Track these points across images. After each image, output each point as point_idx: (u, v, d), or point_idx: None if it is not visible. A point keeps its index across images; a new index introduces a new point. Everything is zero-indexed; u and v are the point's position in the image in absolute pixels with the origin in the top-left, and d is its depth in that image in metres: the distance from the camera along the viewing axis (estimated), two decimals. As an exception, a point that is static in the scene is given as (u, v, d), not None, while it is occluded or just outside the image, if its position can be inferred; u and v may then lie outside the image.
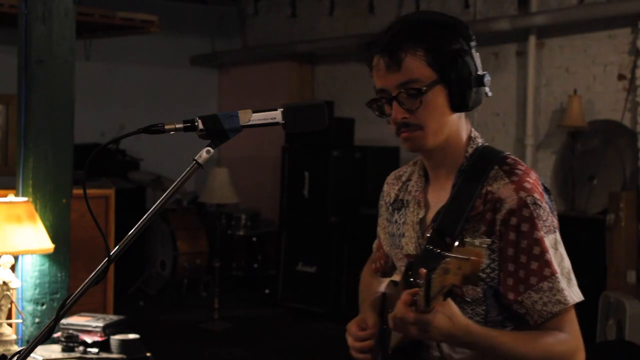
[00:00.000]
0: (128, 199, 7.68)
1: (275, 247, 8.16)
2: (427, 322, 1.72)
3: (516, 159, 1.98)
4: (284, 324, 7.39)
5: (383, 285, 2.24)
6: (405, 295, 1.76)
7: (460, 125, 1.98)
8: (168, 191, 1.66)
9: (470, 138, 2.00)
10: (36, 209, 3.94)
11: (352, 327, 2.11)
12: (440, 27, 1.93)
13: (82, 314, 3.96)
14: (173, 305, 8.02)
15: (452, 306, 1.75)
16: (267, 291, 8.27)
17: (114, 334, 3.85)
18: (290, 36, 9.45)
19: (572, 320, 1.88)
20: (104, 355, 3.80)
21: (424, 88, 1.89)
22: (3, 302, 3.72)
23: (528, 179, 1.91)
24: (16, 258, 3.92)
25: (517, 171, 1.92)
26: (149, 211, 1.64)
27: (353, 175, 7.68)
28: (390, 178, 2.21)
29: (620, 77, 6.58)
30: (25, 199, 3.94)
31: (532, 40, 7.13)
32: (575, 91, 6.65)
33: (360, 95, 8.72)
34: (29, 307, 4.04)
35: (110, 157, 8.62)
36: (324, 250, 7.57)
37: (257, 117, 1.72)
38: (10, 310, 3.84)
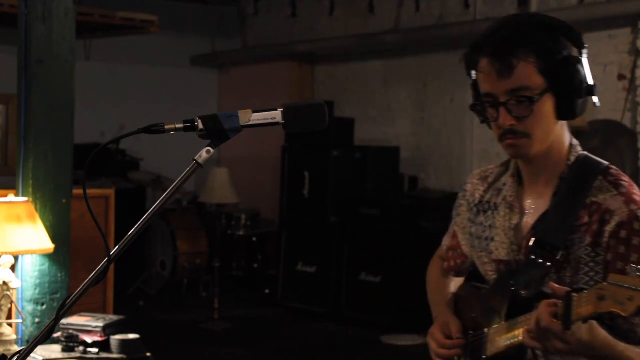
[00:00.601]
0: (128, 199, 7.68)
1: (275, 247, 8.16)
2: (570, 335, 1.69)
3: (618, 169, 1.94)
4: (284, 324, 7.38)
5: (453, 285, 2.22)
6: (548, 307, 1.71)
7: (563, 133, 1.95)
8: (168, 191, 1.66)
9: (571, 146, 1.96)
10: (36, 209, 3.94)
11: (436, 333, 2.10)
12: (553, 32, 1.89)
13: (82, 314, 3.96)
14: (173, 305, 8.02)
15: (591, 321, 1.71)
16: (267, 291, 8.27)
17: (114, 334, 3.85)
18: (290, 36, 9.45)
19: None
20: (104, 355, 3.80)
21: (536, 97, 1.85)
22: (3, 302, 3.72)
23: (635, 191, 1.88)
24: (16, 258, 3.92)
25: (623, 183, 1.88)
26: (149, 211, 1.64)
27: (353, 175, 7.68)
28: (474, 178, 2.16)
29: (620, 77, 6.58)
30: (25, 199, 3.94)
31: (532, 40, 7.12)
32: (575, 91, 6.65)
33: (361, 95, 8.73)
34: (29, 307, 4.04)
35: (110, 157, 8.62)
36: (324, 250, 7.57)
37: (257, 117, 1.71)
38: (10, 310, 3.84)
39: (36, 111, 4.04)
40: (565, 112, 1.89)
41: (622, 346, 1.77)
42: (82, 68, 6.04)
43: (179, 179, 1.66)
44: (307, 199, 7.78)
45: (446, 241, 2.28)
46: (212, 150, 1.68)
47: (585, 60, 1.89)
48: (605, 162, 1.94)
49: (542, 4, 7.12)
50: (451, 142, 7.88)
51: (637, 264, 1.80)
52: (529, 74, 1.85)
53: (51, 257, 4.04)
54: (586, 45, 1.92)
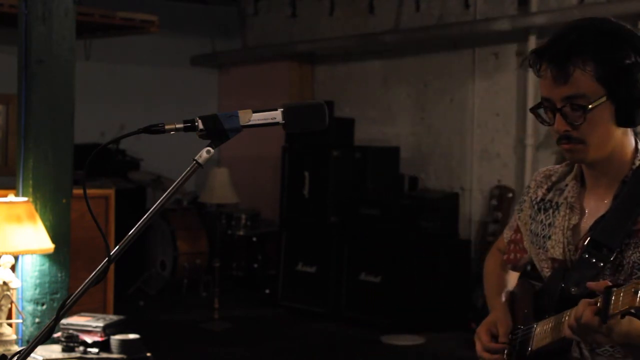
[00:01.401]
0: (128, 199, 7.68)
1: (275, 247, 8.15)
2: (610, 329, 1.70)
3: None
4: (284, 324, 7.38)
5: (512, 281, 2.22)
6: (588, 304, 1.72)
7: (625, 139, 1.95)
8: (168, 191, 1.66)
9: (636, 150, 1.96)
10: (36, 209, 3.94)
11: (482, 334, 2.11)
12: (613, 38, 1.88)
13: (82, 314, 3.96)
14: (173, 305, 8.02)
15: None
16: (267, 291, 8.27)
17: (114, 334, 3.86)
18: (290, 36, 9.45)
19: None
20: (104, 355, 3.80)
21: (590, 106, 1.86)
22: (3, 302, 3.72)
23: None
24: (16, 258, 3.92)
25: None
26: (149, 211, 1.64)
27: (353, 175, 7.68)
28: (539, 176, 2.17)
29: (620, 77, 6.58)
30: (25, 199, 3.94)
31: (532, 40, 7.12)
32: (575, 91, 6.65)
33: (361, 95, 8.73)
34: (29, 307, 4.04)
35: (110, 157, 8.61)
36: (324, 250, 7.57)
37: (257, 117, 1.72)
38: (10, 310, 3.84)
39: (36, 111, 4.04)
40: (624, 120, 1.90)
41: None
42: (82, 68, 6.05)
43: (179, 179, 1.66)
44: (307, 199, 7.78)
45: (507, 234, 2.28)
46: (212, 150, 1.68)
47: None
48: None
49: (542, 4, 7.12)
50: (451, 142, 7.87)
51: None
52: (584, 82, 1.86)
53: (51, 257, 4.04)
54: None
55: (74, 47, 4.17)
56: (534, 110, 1.98)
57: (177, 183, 1.66)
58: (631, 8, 6.38)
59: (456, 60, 7.73)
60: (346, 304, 7.26)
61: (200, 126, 1.68)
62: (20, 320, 3.96)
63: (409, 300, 6.95)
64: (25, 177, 4.03)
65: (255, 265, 8.61)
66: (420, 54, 8.17)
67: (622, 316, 1.67)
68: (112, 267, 1.66)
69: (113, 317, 4.01)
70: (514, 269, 2.27)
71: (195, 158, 1.66)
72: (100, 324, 3.83)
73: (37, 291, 4.05)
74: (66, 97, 4.14)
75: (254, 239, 8.62)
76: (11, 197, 3.87)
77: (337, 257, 7.43)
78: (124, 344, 3.82)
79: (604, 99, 1.86)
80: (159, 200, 1.65)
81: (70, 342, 3.81)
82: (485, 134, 7.45)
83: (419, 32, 7.98)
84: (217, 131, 1.69)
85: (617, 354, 1.89)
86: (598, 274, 1.87)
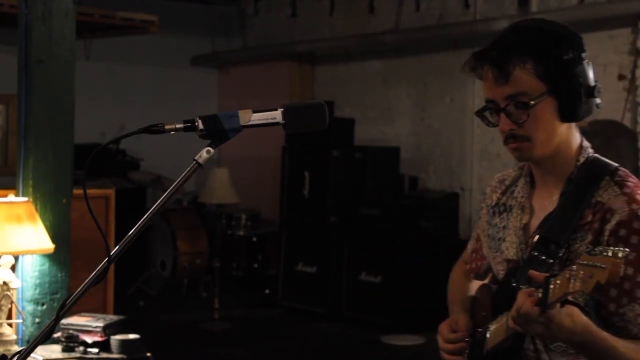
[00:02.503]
0: (128, 199, 7.68)
1: (275, 247, 8.15)
2: (550, 319, 1.72)
3: (627, 171, 1.98)
4: (284, 324, 7.38)
5: (473, 288, 2.24)
6: (528, 294, 1.75)
7: (570, 135, 1.99)
8: (168, 191, 1.66)
9: (581, 147, 2.00)
10: (36, 209, 3.94)
11: (443, 329, 2.13)
12: (551, 37, 1.92)
13: (82, 314, 3.96)
14: (173, 305, 8.02)
15: (572, 306, 1.74)
16: (267, 291, 8.27)
17: (114, 334, 3.85)
18: (290, 36, 9.45)
19: None
20: (104, 355, 3.80)
21: (532, 102, 1.89)
22: (3, 302, 3.72)
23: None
24: (16, 258, 3.92)
25: (629, 183, 1.92)
26: (149, 211, 1.64)
27: (353, 175, 7.68)
28: (494, 181, 2.21)
29: (620, 77, 6.58)
30: (25, 199, 3.94)
31: (532, 40, 7.12)
32: (575, 91, 6.65)
33: (361, 95, 8.72)
34: (29, 307, 4.04)
35: (110, 157, 8.62)
36: (324, 250, 7.57)
37: (257, 117, 1.71)
38: (10, 310, 3.84)
39: (36, 111, 4.04)
40: (567, 114, 1.93)
41: (604, 334, 1.80)
42: (82, 68, 6.04)
43: (179, 179, 1.66)
44: (307, 199, 7.78)
45: (470, 245, 2.32)
46: (212, 150, 1.68)
47: (586, 63, 1.93)
48: (615, 164, 1.98)
49: (542, 4, 7.12)
50: (451, 142, 7.88)
51: (634, 262, 1.81)
52: (525, 79, 1.90)
53: (51, 257, 4.04)
54: (586, 48, 1.95)
55: (74, 47, 4.16)
56: (479, 113, 2.01)
57: (177, 183, 1.66)
58: (631, 8, 6.37)
59: (456, 60, 7.72)
60: (346, 304, 7.26)
61: (200, 126, 1.68)
62: (20, 320, 3.96)
63: (409, 300, 6.95)
64: (25, 177, 4.03)
65: (255, 265, 8.62)
66: (420, 54, 8.17)
67: (562, 305, 1.70)
68: (112, 267, 1.66)
69: (113, 317, 4.01)
70: (477, 277, 2.29)
71: (195, 158, 1.66)
72: (100, 324, 3.83)
73: (37, 291, 4.05)
74: (66, 97, 4.14)
75: (254, 239, 8.62)
76: (11, 197, 3.87)
77: (337, 257, 7.44)
78: (124, 344, 3.81)
79: (545, 95, 1.90)
80: (159, 200, 1.65)
81: (70, 342, 3.81)
82: (485, 134, 7.45)
83: (419, 32, 7.99)
84: (217, 131, 1.69)
85: (570, 349, 1.90)
86: (548, 270, 1.88)
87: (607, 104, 6.59)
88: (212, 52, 9.98)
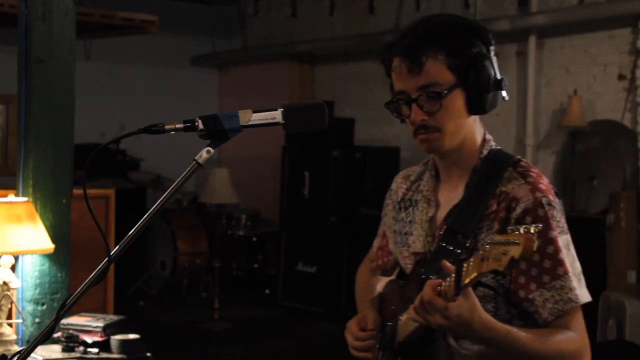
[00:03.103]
0: (128, 199, 7.68)
1: (275, 247, 8.16)
2: (450, 310, 1.73)
3: (528, 162, 2.02)
4: (284, 324, 7.39)
5: (381, 285, 2.25)
6: (432, 283, 1.77)
7: (475, 128, 2.03)
8: (168, 191, 1.66)
9: (484, 140, 2.05)
10: (36, 209, 3.94)
11: (352, 326, 2.14)
12: (461, 30, 1.97)
13: (82, 314, 3.96)
14: (173, 305, 8.02)
15: (474, 300, 1.77)
16: (267, 291, 8.27)
17: (114, 334, 3.85)
18: (290, 36, 9.45)
19: (580, 320, 1.92)
20: (104, 355, 3.80)
21: (444, 92, 1.93)
22: (3, 302, 3.72)
23: (542, 181, 1.95)
24: (16, 258, 3.92)
25: (531, 173, 1.96)
26: (149, 211, 1.64)
27: (353, 175, 7.68)
28: (398, 177, 2.24)
29: (620, 77, 6.57)
30: (25, 199, 3.94)
31: (532, 40, 7.13)
32: (575, 91, 6.65)
33: (361, 95, 8.72)
34: (29, 307, 4.04)
35: (110, 157, 8.62)
36: (324, 250, 7.57)
37: (257, 117, 1.71)
38: (10, 310, 3.84)
39: (36, 111, 4.04)
40: (475, 106, 1.97)
41: (506, 328, 1.83)
42: (82, 68, 6.04)
43: (179, 179, 1.66)
44: (307, 199, 7.78)
45: (376, 242, 2.34)
46: (212, 150, 1.68)
47: (493, 57, 1.99)
48: (517, 156, 2.02)
49: (542, 4, 7.12)
50: (451, 142, 7.87)
51: (540, 248, 1.82)
52: (438, 71, 1.93)
53: (51, 257, 4.04)
54: (493, 41, 2.01)
55: (74, 47, 4.16)
56: (388, 105, 2.02)
57: (177, 183, 1.66)
58: (631, 8, 6.37)
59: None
60: (346, 304, 7.26)
61: (200, 126, 1.68)
62: (20, 320, 3.96)
63: (409, 300, 6.95)
64: (25, 177, 4.03)
65: (255, 265, 8.62)
66: (420, 54, 8.17)
67: (474, 288, 1.73)
68: (112, 267, 1.66)
69: (113, 317, 4.01)
70: (384, 273, 2.30)
71: (195, 158, 1.66)
72: (100, 324, 3.83)
73: (37, 291, 4.05)
74: (66, 97, 4.13)
75: (254, 239, 8.62)
76: (11, 197, 3.87)
77: (337, 257, 7.44)
78: (124, 344, 3.81)
79: (455, 86, 1.94)
80: (159, 200, 1.65)
81: (70, 342, 3.81)
82: (485, 134, 7.45)
83: (419, 32, 7.98)
84: (217, 131, 1.69)
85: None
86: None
87: (607, 104, 6.64)
88: (212, 52, 9.98)
